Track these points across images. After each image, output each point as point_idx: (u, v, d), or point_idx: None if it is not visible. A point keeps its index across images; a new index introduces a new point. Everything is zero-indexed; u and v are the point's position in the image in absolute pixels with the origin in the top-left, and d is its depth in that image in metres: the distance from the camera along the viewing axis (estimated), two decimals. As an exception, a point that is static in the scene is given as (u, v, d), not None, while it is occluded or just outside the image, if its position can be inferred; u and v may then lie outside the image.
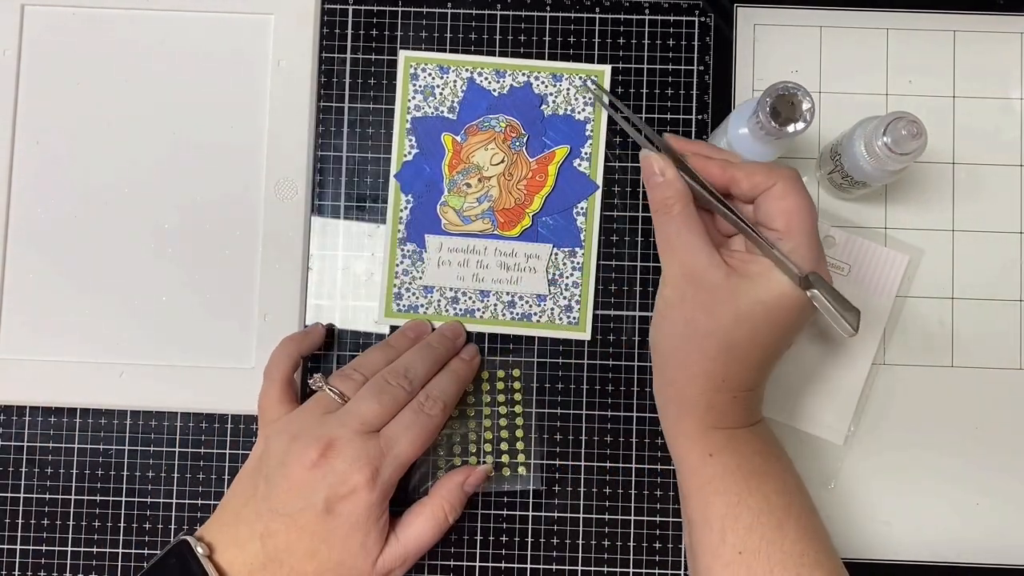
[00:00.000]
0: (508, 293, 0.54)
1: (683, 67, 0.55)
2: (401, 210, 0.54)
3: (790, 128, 0.44)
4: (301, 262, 0.54)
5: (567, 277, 0.54)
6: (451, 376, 0.50)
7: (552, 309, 0.53)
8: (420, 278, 0.54)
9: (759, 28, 0.55)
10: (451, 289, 0.54)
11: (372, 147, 0.55)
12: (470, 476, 0.50)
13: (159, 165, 0.54)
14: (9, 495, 0.53)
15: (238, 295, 0.54)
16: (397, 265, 0.54)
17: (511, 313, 0.53)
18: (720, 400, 0.45)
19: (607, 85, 0.54)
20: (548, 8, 0.55)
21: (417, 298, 0.54)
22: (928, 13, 0.55)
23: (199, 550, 0.44)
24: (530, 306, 0.54)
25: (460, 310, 0.53)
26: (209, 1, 0.55)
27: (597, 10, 0.55)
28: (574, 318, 0.53)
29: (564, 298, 0.53)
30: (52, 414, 0.54)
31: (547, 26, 0.55)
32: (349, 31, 0.55)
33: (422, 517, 0.48)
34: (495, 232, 0.54)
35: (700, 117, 0.55)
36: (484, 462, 0.53)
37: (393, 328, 0.54)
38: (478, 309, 0.54)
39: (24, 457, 0.53)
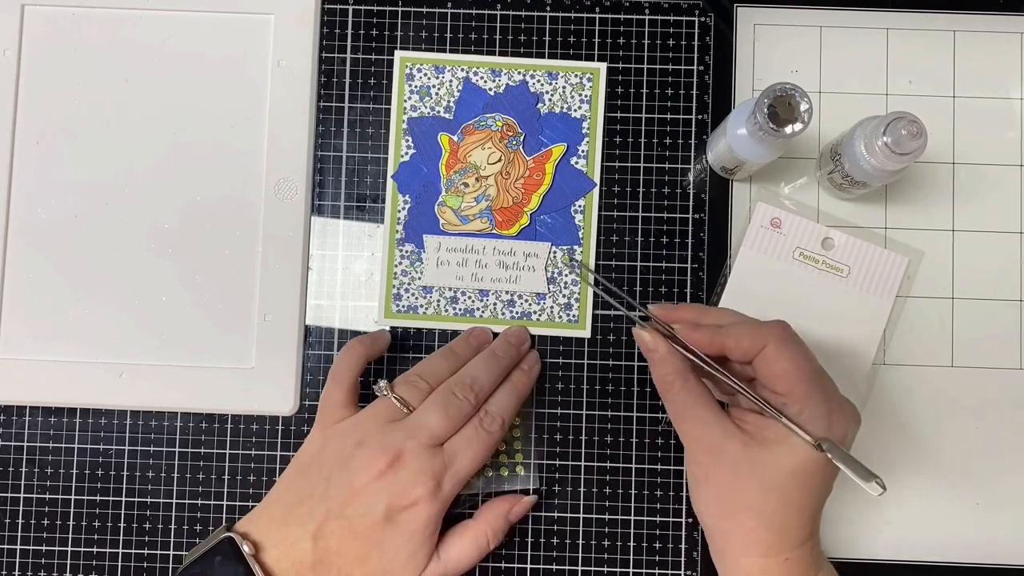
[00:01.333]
0: (507, 292, 0.54)
1: (683, 67, 0.55)
2: (399, 211, 0.54)
3: (788, 129, 0.44)
4: (301, 262, 0.54)
5: (566, 275, 0.54)
6: (511, 391, 0.50)
7: (552, 307, 0.53)
8: (419, 278, 0.54)
9: (759, 28, 0.55)
10: (450, 289, 0.54)
11: (372, 147, 0.55)
12: (515, 506, 0.51)
13: (159, 165, 0.54)
14: (9, 495, 0.53)
15: (238, 295, 0.54)
16: (396, 266, 0.54)
17: (511, 312, 0.53)
18: (770, 565, 0.44)
19: (602, 84, 0.54)
20: (548, 8, 0.55)
21: (416, 298, 0.54)
22: (928, 13, 0.55)
23: (245, 548, 0.44)
24: (529, 305, 0.54)
25: (460, 310, 0.53)
26: (209, 1, 0.55)
27: (597, 10, 0.55)
28: (574, 316, 0.53)
29: (563, 296, 0.54)
30: (52, 414, 0.54)
31: (547, 26, 0.55)
32: (349, 31, 0.55)
33: (465, 539, 0.48)
34: (493, 231, 0.54)
35: (700, 117, 0.55)
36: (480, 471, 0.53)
37: (394, 329, 0.54)
38: (477, 308, 0.54)
39: (24, 457, 0.53)
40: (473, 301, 0.54)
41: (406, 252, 0.54)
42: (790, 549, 0.44)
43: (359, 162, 0.55)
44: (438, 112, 0.54)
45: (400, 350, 0.54)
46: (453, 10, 0.55)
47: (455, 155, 0.54)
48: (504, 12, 0.55)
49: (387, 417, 0.47)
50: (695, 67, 0.55)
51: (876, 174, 0.48)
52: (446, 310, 0.54)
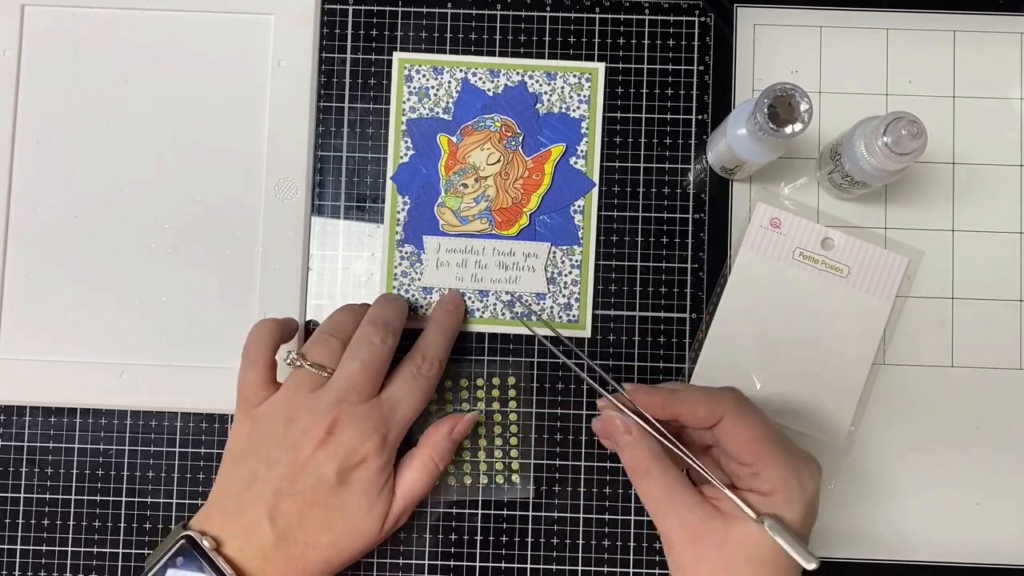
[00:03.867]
0: (507, 292, 0.54)
1: (683, 67, 0.55)
2: (398, 212, 0.54)
3: (788, 129, 0.44)
4: (301, 262, 0.54)
5: (566, 275, 0.54)
6: (438, 330, 0.51)
7: (552, 307, 0.53)
8: (419, 279, 0.54)
9: (759, 28, 0.55)
10: (450, 289, 0.54)
11: (372, 147, 0.55)
12: (458, 424, 0.50)
13: (159, 165, 0.54)
14: (9, 495, 0.53)
15: (238, 295, 0.54)
16: (396, 267, 0.54)
17: (511, 312, 0.53)
18: None
19: (601, 83, 0.54)
20: (548, 8, 0.55)
21: (416, 299, 0.54)
22: (928, 13, 0.55)
23: (206, 544, 0.44)
24: (530, 305, 0.53)
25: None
26: (209, 1, 0.55)
27: (597, 10, 0.55)
28: (574, 316, 0.53)
29: (563, 296, 0.53)
30: (52, 414, 0.54)
31: (547, 26, 0.55)
32: (349, 31, 0.55)
33: (413, 469, 0.48)
34: (493, 232, 0.54)
35: (700, 117, 0.55)
36: (479, 472, 0.53)
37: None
38: (477, 309, 0.54)
39: (24, 457, 0.53)
40: (473, 302, 0.54)
41: (406, 253, 0.54)
42: None
43: (359, 162, 0.55)
44: (437, 113, 0.54)
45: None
46: (453, 10, 0.55)
47: (454, 156, 0.54)
48: (504, 12, 0.55)
49: (309, 386, 0.47)
50: (695, 67, 0.55)
51: (876, 174, 0.48)
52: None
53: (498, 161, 0.54)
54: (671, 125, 0.55)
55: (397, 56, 0.55)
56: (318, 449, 0.45)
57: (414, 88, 0.54)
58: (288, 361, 0.48)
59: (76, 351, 0.53)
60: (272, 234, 0.54)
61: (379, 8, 0.55)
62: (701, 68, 0.55)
